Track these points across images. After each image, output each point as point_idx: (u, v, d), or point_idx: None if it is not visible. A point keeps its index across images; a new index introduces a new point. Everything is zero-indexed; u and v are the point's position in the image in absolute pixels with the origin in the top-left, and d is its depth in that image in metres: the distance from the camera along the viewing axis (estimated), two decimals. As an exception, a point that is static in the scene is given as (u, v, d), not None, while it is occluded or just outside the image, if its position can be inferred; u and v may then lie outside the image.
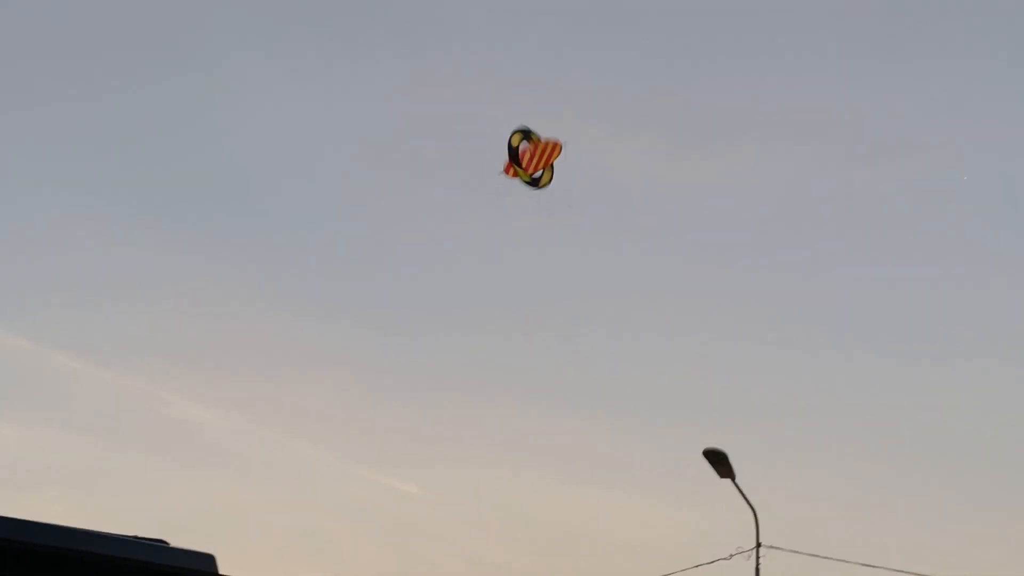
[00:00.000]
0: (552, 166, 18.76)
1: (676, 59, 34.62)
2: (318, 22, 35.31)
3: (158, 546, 6.47)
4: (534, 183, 18.81)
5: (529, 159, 18.58)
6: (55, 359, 31.24)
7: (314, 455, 31.60)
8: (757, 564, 16.28)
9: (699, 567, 17.12)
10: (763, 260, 34.66)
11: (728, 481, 16.25)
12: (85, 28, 35.30)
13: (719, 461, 16.02)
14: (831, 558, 16.89)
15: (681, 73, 35.10)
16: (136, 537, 6.45)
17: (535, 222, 31.84)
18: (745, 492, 16.37)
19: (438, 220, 35.81)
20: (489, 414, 32.16)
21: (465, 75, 34.54)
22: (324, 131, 36.18)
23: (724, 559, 16.67)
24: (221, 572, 6.57)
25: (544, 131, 18.77)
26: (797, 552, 16.70)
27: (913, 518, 27.46)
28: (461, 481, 30.93)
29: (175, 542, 6.61)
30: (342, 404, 32.94)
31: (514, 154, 18.63)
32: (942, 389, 31.14)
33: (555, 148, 18.67)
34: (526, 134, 18.70)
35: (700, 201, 35.64)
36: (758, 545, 16.36)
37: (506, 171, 18.76)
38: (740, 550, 16.37)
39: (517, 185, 18.83)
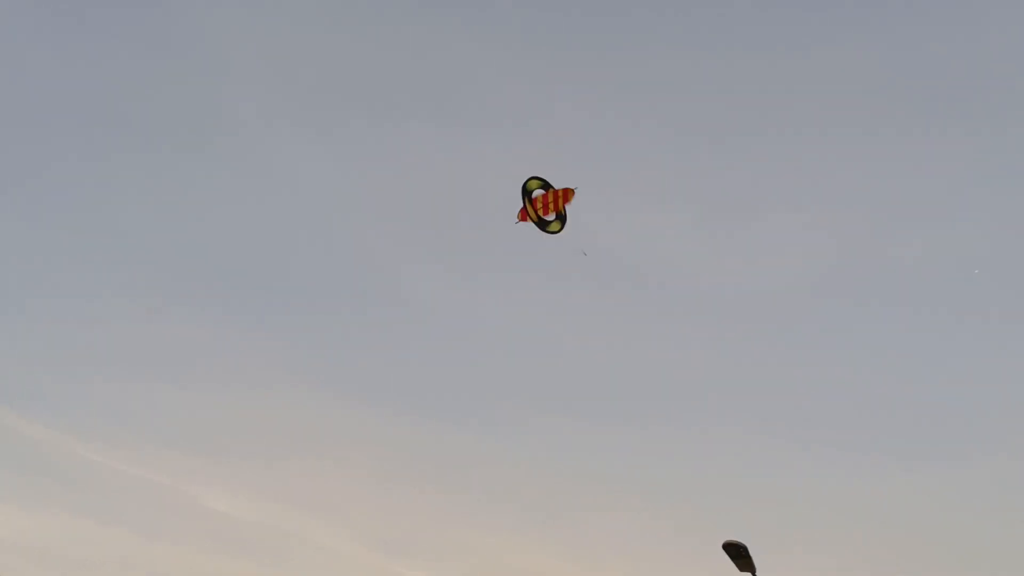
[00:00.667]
0: (564, 213, 19.51)
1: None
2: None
3: None
4: (542, 225, 19.56)
5: (543, 204, 19.41)
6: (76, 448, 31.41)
7: (329, 540, 31.40)
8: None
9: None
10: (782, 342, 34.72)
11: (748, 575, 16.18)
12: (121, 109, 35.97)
13: (739, 555, 15.96)
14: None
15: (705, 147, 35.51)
16: None
17: (556, 305, 32.16)
18: (765, 586, 16.28)
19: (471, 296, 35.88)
20: (507, 500, 32.04)
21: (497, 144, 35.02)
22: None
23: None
24: None
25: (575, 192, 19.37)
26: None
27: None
28: (474, 568, 30.67)
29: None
30: (358, 488, 32.85)
31: (527, 194, 19.49)
32: (963, 481, 30.96)
33: (567, 193, 19.45)
34: (544, 184, 19.52)
35: (723, 279, 35.92)
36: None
37: (520, 218, 19.51)
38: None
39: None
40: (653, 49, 37.00)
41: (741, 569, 16.16)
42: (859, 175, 36.64)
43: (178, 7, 38.35)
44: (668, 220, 35.59)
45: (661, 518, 30.87)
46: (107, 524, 30.72)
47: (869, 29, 37.68)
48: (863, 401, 34.10)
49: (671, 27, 38.14)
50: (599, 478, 32.49)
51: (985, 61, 36.76)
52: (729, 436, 33.17)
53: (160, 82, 38.05)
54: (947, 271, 34.95)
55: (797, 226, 36.50)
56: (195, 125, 38.53)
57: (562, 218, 19.83)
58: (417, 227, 37.97)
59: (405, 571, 31.13)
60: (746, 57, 37.57)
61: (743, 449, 32.61)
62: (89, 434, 32.94)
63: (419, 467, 33.57)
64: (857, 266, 36.16)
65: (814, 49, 37.38)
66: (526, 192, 19.67)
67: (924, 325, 34.67)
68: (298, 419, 34.90)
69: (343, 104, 38.84)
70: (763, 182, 36.87)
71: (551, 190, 19.79)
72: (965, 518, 29.71)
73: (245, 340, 36.57)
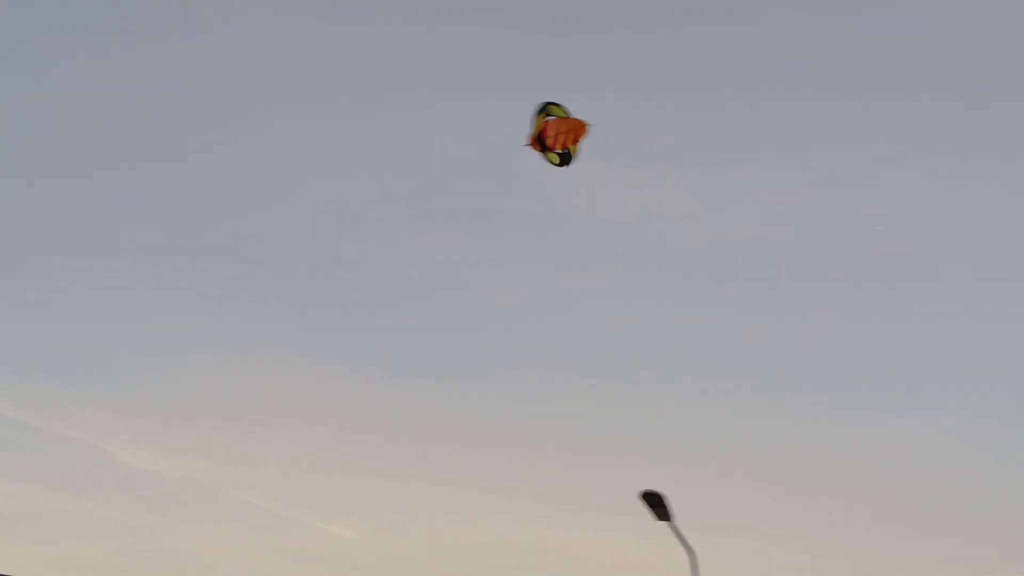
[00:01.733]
0: (570, 151, 17.78)
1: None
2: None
3: None
4: (563, 161, 17.80)
5: (555, 134, 17.75)
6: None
7: (253, 499, 31.00)
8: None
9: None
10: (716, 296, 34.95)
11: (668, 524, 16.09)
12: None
13: (657, 504, 15.83)
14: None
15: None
16: None
17: (498, 261, 31.87)
18: (684, 534, 16.21)
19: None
20: (427, 456, 31.89)
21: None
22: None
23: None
24: None
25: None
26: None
27: (850, 554, 27.60)
28: (399, 523, 30.52)
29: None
30: (284, 447, 32.43)
31: (540, 137, 17.79)
32: (884, 426, 31.48)
33: (582, 126, 17.70)
34: (546, 112, 17.75)
35: (654, 233, 35.91)
36: (696, 588, 16.18)
37: (532, 145, 17.80)
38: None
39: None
40: (615, 14, 36.45)
41: (659, 518, 16.06)
42: (820, 132, 36.66)
43: None
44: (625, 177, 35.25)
45: (595, 471, 30.89)
46: (19, 480, 29.86)
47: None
48: (802, 352, 34.37)
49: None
50: (536, 432, 32.41)
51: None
52: (657, 389, 33.25)
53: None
54: (907, 225, 35.30)
55: (755, 181, 36.46)
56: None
57: (566, 155, 18.05)
58: (378, 187, 37.31)
59: (326, 525, 30.85)
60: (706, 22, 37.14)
61: (671, 402, 32.75)
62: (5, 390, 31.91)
63: (346, 424, 33.18)
64: (811, 222, 36.32)
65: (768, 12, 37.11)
66: (538, 137, 17.89)
67: (874, 278, 35.02)
68: (221, 379, 34.26)
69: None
70: (726, 138, 36.65)
71: (566, 118, 17.92)
72: (892, 468, 30.26)
73: (171, 301, 35.72)
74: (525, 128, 17.92)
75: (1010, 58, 34.91)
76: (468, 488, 31.09)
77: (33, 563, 26.72)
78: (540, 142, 17.76)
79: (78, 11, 37.31)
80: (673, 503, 16.01)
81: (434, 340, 35.15)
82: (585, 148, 17.89)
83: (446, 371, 34.09)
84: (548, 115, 17.89)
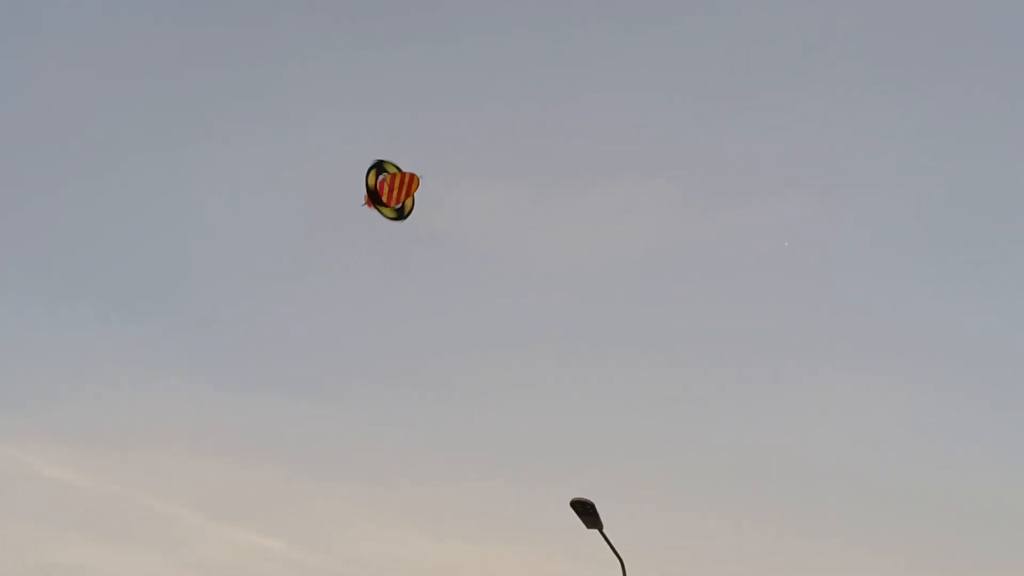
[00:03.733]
0: (413, 197, 18.46)
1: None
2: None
3: None
4: (400, 215, 18.43)
5: (389, 191, 18.27)
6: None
7: (174, 512, 30.50)
8: (626, 615, 16.11)
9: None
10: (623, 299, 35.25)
11: (596, 532, 16.10)
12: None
13: (586, 512, 15.83)
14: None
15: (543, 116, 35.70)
16: None
17: (383, 284, 31.86)
18: (613, 542, 16.24)
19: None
20: (352, 470, 31.64)
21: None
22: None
23: (593, 612, 16.44)
24: None
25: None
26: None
27: (784, 559, 27.96)
28: (327, 537, 30.15)
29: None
30: (204, 464, 31.95)
31: (373, 193, 18.32)
32: (819, 425, 32.03)
33: (413, 180, 18.37)
34: (379, 168, 18.41)
35: (554, 244, 36.16)
36: (627, 596, 16.21)
37: (367, 204, 18.37)
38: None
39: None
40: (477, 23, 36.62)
41: (588, 526, 16.07)
42: (707, 139, 37.19)
43: None
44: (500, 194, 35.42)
45: (519, 482, 30.81)
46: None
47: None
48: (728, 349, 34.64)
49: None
50: (451, 446, 32.20)
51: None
52: (579, 394, 33.37)
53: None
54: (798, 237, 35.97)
55: (637, 195, 36.87)
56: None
57: (400, 211, 18.64)
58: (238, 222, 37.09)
59: (255, 538, 30.38)
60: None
61: (593, 407, 32.86)
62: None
63: (260, 443, 32.75)
64: (697, 233, 36.81)
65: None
66: (368, 187, 18.38)
67: (764, 291, 35.59)
68: (140, 398, 33.63)
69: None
70: (602, 149, 37.00)
71: (393, 175, 18.52)
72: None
73: (79, 325, 35.16)
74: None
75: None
76: (388, 504, 30.88)
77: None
78: (375, 198, 18.30)
79: None
80: (601, 511, 16.06)
81: (333, 361, 35.08)
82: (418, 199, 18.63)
83: (359, 391, 34.09)
84: (380, 171, 18.46)
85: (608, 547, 16.17)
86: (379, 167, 18.53)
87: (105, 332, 35.20)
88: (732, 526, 28.73)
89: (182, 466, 31.58)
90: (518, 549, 29.62)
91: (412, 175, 18.39)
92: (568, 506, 15.93)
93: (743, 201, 37.17)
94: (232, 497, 31.12)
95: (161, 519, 30.25)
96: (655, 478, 30.53)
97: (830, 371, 33.45)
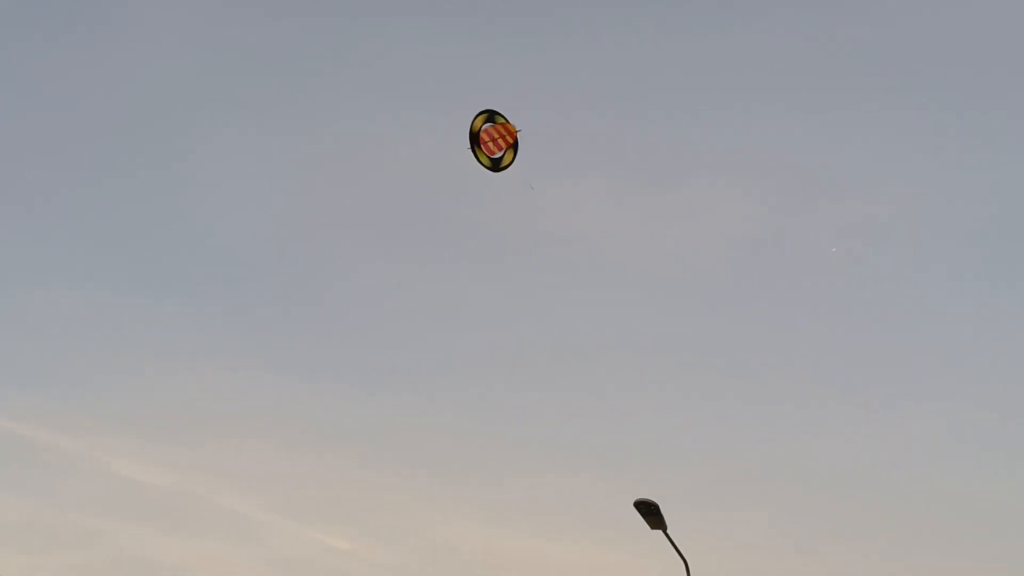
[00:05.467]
0: (515, 147, 18.69)
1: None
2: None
3: None
4: (495, 166, 18.63)
5: (490, 139, 18.53)
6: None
7: (246, 509, 31.11)
8: (690, 615, 16.26)
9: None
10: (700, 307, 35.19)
11: (659, 532, 16.28)
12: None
13: (650, 512, 16.02)
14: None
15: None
16: None
17: (469, 277, 32.14)
18: (676, 542, 16.40)
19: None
20: (424, 467, 31.99)
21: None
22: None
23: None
24: None
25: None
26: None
27: (844, 563, 27.78)
28: (394, 534, 30.61)
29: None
30: (275, 459, 32.54)
31: (475, 137, 18.57)
32: (875, 433, 31.73)
33: (512, 134, 18.61)
34: (490, 116, 18.65)
35: (640, 246, 36.19)
36: (690, 596, 16.35)
37: (471, 144, 18.62)
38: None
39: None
40: (561, 19, 36.84)
41: (652, 527, 16.25)
42: (783, 142, 36.97)
43: None
44: (590, 189, 35.54)
45: (588, 482, 31.03)
46: (8, 491, 29.88)
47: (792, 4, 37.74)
48: (785, 363, 34.58)
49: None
50: (523, 443, 32.52)
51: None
52: (647, 398, 33.47)
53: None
54: (870, 238, 35.62)
55: (721, 192, 36.77)
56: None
57: (515, 147, 18.91)
58: (329, 200, 37.50)
59: (323, 536, 30.93)
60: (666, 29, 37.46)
61: (661, 411, 32.96)
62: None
63: (335, 437, 33.29)
64: (783, 231, 36.57)
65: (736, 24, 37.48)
66: (472, 133, 18.68)
67: (849, 286, 35.28)
68: (209, 393, 34.37)
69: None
70: (686, 148, 36.95)
71: (497, 126, 18.82)
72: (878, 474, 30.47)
73: (154, 314, 35.90)
74: (463, 140, 18.66)
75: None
76: (459, 499, 31.23)
77: (24, 573, 26.81)
78: (475, 141, 18.51)
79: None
80: (665, 512, 16.24)
81: (409, 354, 35.37)
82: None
83: (434, 385, 34.36)
84: (490, 120, 18.64)
85: (672, 548, 16.35)
86: (491, 116, 18.77)
87: (185, 324, 35.91)
88: (793, 529, 28.66)
89: (255, 460, 32.23)
90: (586, 544, 29.88)
91: (512, 128, 18.59)
92: (633, 506, 16.20)
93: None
94: (303, 491, 31.74)
95: (235, 516, 30.95)
96: (720, 481, 30.55)
97: (903, 388, 33.08)
